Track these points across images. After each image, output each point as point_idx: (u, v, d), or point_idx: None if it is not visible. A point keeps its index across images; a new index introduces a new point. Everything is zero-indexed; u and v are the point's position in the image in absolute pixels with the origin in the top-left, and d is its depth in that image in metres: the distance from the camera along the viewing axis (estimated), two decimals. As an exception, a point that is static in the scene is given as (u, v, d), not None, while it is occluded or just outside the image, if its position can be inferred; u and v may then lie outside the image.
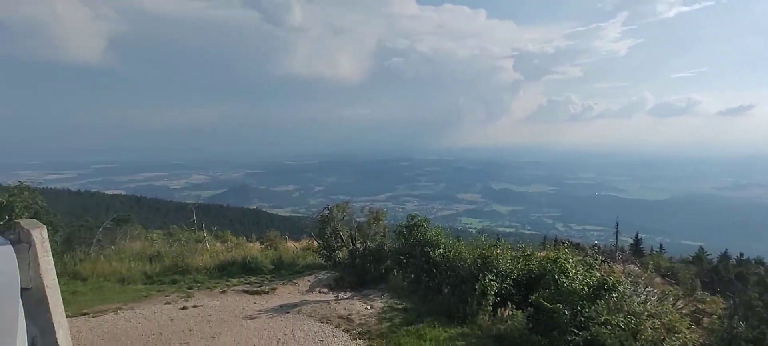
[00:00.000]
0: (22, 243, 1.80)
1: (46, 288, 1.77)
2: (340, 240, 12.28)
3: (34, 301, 1.75)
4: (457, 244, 10.10)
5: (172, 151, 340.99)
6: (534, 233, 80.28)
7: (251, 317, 8.51)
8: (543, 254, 10.06)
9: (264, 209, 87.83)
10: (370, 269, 11.65)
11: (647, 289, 8.35)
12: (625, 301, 6.89)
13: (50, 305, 1.74)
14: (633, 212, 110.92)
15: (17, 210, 10.71)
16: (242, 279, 11.76)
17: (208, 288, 10.85)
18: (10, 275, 1.42)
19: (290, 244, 16.74)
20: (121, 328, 7.88)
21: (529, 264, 9.30)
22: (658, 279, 12.63)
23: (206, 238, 16.04)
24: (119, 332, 7.65)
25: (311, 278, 11.89)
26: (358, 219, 12.92)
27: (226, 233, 19.00)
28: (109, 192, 79.22)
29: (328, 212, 12.58)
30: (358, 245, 12.02)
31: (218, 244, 15.99)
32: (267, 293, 10.54)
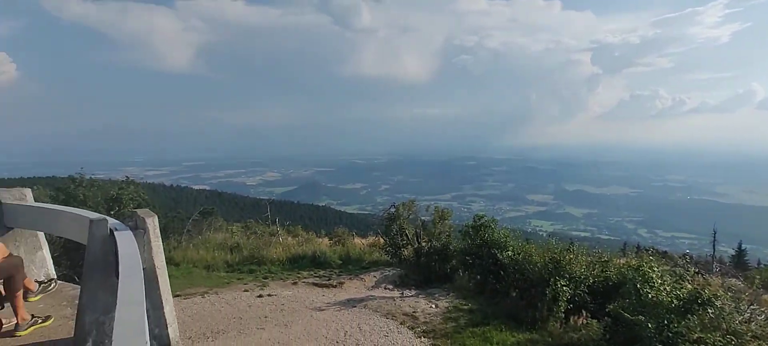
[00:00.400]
0: (139, 229, 2.11)
1: (156, 269, 2.07)
2: (405, 238, 12.37)
3: (148, 279, 2.04)
4: (527, 246, 9.69)
5: (249, 150, 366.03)
6: (612, 238, 73.98)
7: (320, 309, 8.93)
8: (623, 261, 9.31)
9: (332, 206, 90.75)
10: (435, 268, 11.58)
11: (752, 306, 7.35)
12: (723, 318, 6.12)
13: (160, 284, 2.02)
14: (735, 219, 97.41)
15: (124, 201, 12.25)
16: (312, 272, 12.35)
17: (281, 279, 11.56)
18: (135, 255, 1.68)
19: (357, 240, 17.18)
20: (207, 310, 8.73)
21: (606, 271, 8.64)
22: (766, 296, 11.05)
23: (279, 232, 17.05)
24: (205, 314, 8.49)
25: (377, 274, 12.12)
26: (423, 218, 12.93)
27: (297, 228, 19.93)
28: (196, 187, 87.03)
29: (394, 210, 12.74)
30: (424, 244, 12.02)
31: (290, 238, 16.88)
32: (335, 286, 10.96)
